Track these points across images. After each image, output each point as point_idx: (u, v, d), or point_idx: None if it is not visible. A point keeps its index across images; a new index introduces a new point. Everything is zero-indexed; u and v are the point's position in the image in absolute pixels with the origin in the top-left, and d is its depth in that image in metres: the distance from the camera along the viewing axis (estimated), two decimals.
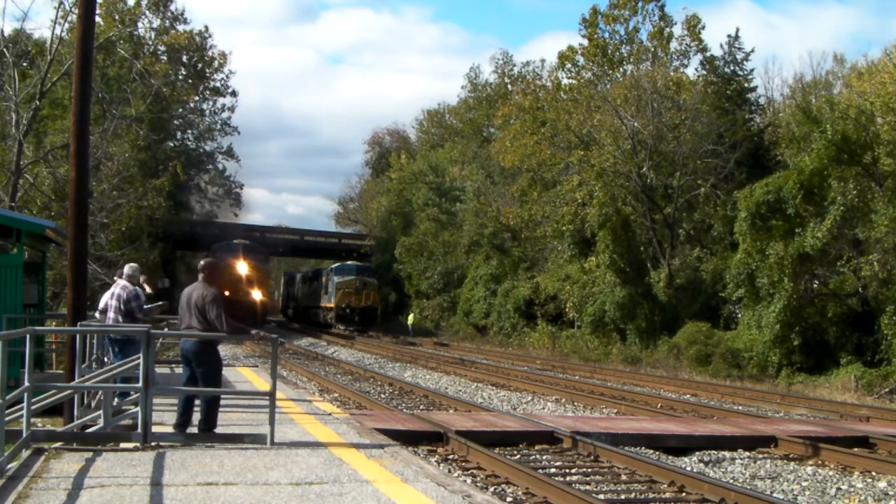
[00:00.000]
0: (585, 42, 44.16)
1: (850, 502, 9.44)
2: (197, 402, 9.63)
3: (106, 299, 11.86)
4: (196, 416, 9.47)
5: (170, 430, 9.23)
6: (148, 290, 13.87)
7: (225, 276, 46.24)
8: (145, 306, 11.78)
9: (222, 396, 12.46)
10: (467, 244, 49.52)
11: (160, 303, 12.85)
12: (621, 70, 43.34)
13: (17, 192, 26.67)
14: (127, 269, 12.09)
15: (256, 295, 46.49)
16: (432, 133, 71.92)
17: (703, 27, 41.14)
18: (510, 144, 41.73)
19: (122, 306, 11.56)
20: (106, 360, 12.06)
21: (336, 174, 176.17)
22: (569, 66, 45.29)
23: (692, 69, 41.08)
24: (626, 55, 43.89)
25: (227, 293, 45.06)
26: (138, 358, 9.69)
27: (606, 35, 44.01)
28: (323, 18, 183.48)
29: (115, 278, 12.33)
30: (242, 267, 46.42)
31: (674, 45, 42.08)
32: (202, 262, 9.73)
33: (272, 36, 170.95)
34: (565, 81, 45.21)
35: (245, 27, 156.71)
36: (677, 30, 42.14)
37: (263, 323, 48.18)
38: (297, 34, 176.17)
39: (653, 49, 42.51)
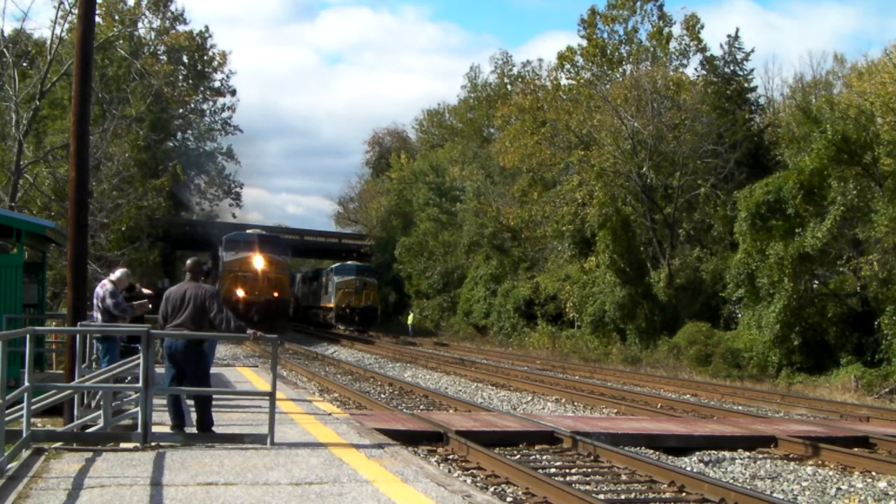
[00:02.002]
0: (584, 42, 44.25)
1: (850, 502, 9.44)
2: (189, 402, 9.65)
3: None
4: (190, 416, 9.48)
5: (170, 430, 9.23)
6: (147, 291, 13.91)
7: (238, 273, 39.76)
8: (121, 303, 11.87)
9: (223, 396, 12.56)
10: (467, 244, 49.52)
11: (143, 300, 12.91)
12: (620, 70, 43.43)
13: (17, 192, 26.66)
14: (116, 271, 12.29)
15: (275, 294, 40.18)
16: (432, 133, 71.97)
17: (703, 27, 41.32)
18: (510, 145, 41.74)
19: (100, 304, 11.77)
20: (94, 356, 12.17)
21: (336, 174, 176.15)
22: (568, 66, 45.41)
23: (692, 69, 41.22)
24: (625, 55, 43.97)
25: (241, 292, 39.02)
26: (137, 358, 9.74)
27: (605, 35, 44.10)
28: (322, 18, 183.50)
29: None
30: (259, 261, 40.03)
31: (673, 44, 42.19)
32: (189, 261, 9.75)
33: (271, 35, 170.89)
34: (565, 82, 45.33)
35: (243, 26, 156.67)
36: (676, 29, 42.30)
37: (283, 329, 41.92)
38: (296, 33, 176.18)
39: (652, 49, 42.56)
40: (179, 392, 9.34)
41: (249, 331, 9.36)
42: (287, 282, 43.20)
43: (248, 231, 43.97)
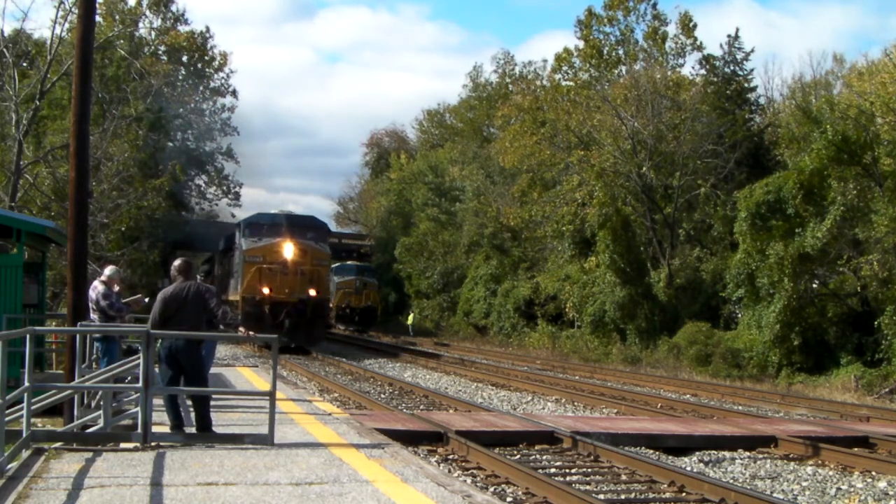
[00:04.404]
0: (581, 44, 44.43)
1: (850, 502, 9.44)
2: (188, 402, 9.66)
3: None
4: (189, 417, 9.48)
5: (169, 430, 9.23)
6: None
7: (263, 265, 31.04)
8: (116, 302, 11.85)
9: (223, 396, 12.57)
10: (467, 244, 49.54)
11: (136, 296, 12.86)
12: (616, 71, 43.59)
13: (17, 192, 26.67)
14: (106, 270, 12.26)
15: (311, 292, 30.93)
16: (432, 133, 71.95)
17: (696, 25, 41.65)
18: (510, 145, 41.76)
19: (94, 306, 11.74)
20: (94, 356, 12.16)
21: (335, 174, 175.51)
22: (565, 68, 45.55)
23: (689, 68, 41.38)
24: (622, 56, 44.12)
25: (267, 290, 30.57)
26: (137, 358, 9.74)
27: (601, 37, 44.27)
28: (320, 17, 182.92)
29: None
30: (289, 249, 30.93)
31: (669, 44, 42.37)
32: (179, 262, 9.64)
33: (269, 34, 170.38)
34: (563, 83, 45.38)
35: (241, 25, 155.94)
36: (672, 29, 42.49)
37: (319, 338, 32.79)
38: (294, 32, 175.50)
39: (648, 49, 42.70)
40: (180, 392, 9.35)
41: (240, 329, 9.44)
42: (325, 277, 33.73)
43: (276, 213, 34.50)
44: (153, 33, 52.34)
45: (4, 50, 27.70)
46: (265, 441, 8.87)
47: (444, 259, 52.01)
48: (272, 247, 31.27)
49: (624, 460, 10.40)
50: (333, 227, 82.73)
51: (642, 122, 35.29)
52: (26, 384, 8.20)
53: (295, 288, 30.79)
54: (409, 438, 10.96)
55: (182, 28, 53.84)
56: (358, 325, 49.62)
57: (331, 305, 41.32)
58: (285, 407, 12.24)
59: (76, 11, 16.02)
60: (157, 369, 9.43)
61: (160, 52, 51.26)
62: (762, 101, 41.03)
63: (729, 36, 38.40)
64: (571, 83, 44.57)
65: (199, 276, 11.51)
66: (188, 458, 8.13)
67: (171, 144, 52.20)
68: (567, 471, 10.24)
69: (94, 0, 12.45)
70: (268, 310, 30.29)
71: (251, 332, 9.57)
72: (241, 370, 20.44)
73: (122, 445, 8.66)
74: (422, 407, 16.75)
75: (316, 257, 31.99)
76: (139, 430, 8.63)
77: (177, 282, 9.42)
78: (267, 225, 32.50)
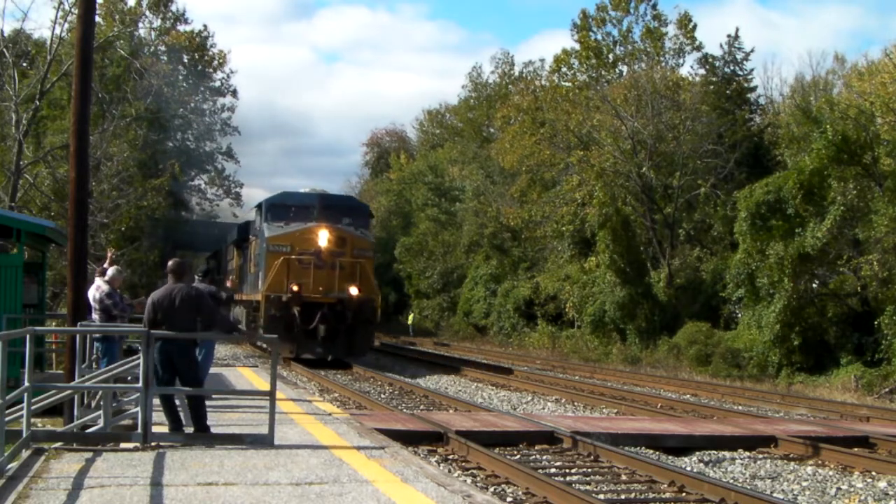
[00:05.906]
0: (578, 46, 44.48)
1: (850, 502, 9.44)
2: (181, 403, 9.66)
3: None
4: (186, 418, 9.47)
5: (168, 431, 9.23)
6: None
7: (291, 256, 25.02)
8: (120, 302, 11.83)
9: (223, 396, 12.57)
10: (467, 244, 49.55)
11: (141, 298, 12.85)
12: (616, 71, 43.61)
13: (17, 192, 26.67)
14: (108, 270, 12.22)
15: (352, 290, 24.99)
16: (433, 133, 71.91)
17: (695, 26, 41.72)
18: (510, 145, 41.76)
19: (96, 305, 11.72)
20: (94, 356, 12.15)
21: (334, 174, 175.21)
22: (564, 69, 45.62)
23: (687, 67, 41.49)
24: (620, 56, 44.15)
25: (296, 288, 24.63)
26: (137, 358, 9.74)
27: (599, 38, 44.35)
28: (319, 16, 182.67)
29: (97, 276, 12.31)
30: (324, 236, 25.08)
31: (668, 44, 42.43)
32: (171, 262, 9.49)
33: (267, 34, 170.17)
34: (562, 84, 45.41)
35: (239, 25, 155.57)
36: (671, 29, 42.57)
37: (365, 349, 27.10)
38: (293, 32, 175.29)
39: (646, 49, 42.76)
40: (180, 392, 9.34)
41: (242, 330, 9.40)
42: (371, 271, 27.44)
43: (304, 191, 28.30)
44: (153, 33, 52.33)
45: (4, 50, 27.69)
46: (265, 441, 8.87)
47: (443, 259, 52.02)
48: (302, 233, 25.44)
49: (624, 460, 10.40)
50: None
51: (642, 122, 35.29)
52: (26, 384, 8.20)
53: (332, 285, 25.06)
54: (409, 438, 10.95)
55: (182, 28, 53.83)
56: None
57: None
58: (285, 407, 12.24)
59: (76, 11, 16.00)
60: None
61: (160, 52, 51.23)
62: (762, 101, 41.09)
63: (729, 36, 38.47)
64: (569, 84, 44.60)
65: (197, 277, 11.44)
66: (188, 458, 8.13)
67: (170, 144, 52.17)
68: (567, 471, 10.24)
69: (94, 0, 12.44)
70: (297, 312, 24.57)
71: (252, 333, 9.56)
72: (241, 370, 20.43)
73: (122, 445, 8.66)
74: (422, 407, 16.75)
75: (357, 247, 25.94)
76: (139, 431, 8.63)
77: (167, 284, 9.22)
78: (295, 207, 26.48)
